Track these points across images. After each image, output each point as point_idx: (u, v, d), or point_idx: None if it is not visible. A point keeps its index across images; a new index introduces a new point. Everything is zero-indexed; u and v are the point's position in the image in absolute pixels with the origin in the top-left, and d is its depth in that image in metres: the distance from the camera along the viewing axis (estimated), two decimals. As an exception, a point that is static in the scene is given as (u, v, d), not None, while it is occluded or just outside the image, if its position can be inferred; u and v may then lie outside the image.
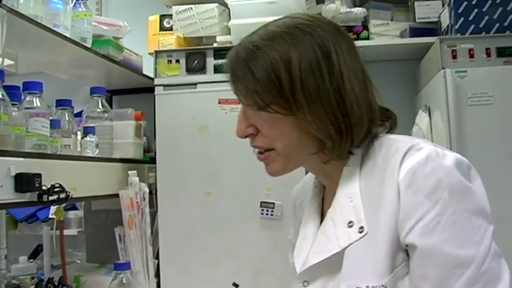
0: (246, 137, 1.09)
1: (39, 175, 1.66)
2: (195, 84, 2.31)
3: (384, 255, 0.95)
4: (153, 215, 2.37)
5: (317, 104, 0.99)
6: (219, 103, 2.27)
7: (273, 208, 2.20)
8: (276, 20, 1.07)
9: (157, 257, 2.34)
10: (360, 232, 0.98)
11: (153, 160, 2.50)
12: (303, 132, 1.03)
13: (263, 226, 2.22)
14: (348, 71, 1.02)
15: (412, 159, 0.95)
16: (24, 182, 1.61)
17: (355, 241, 0.99)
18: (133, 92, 2.87)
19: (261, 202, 2.22)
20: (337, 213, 1.04)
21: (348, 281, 0.98)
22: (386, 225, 0.95)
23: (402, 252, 0.96)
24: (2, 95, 1.62)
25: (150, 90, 2.45)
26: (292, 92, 0.99)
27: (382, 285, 0.94)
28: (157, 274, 2.32)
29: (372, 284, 0.95)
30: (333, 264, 1.01)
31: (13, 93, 1.72)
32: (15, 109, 1.72)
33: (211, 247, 2.24)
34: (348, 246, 0.99)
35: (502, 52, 2.21)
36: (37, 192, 1.69)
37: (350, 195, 1.03)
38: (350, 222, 1.00)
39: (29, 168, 1.65)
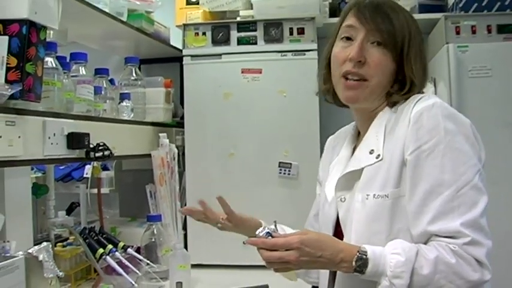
0: (358, 61, 1.32)
1: (87, 134, 1.86)
2: (220, 55, 2.45)
3: (391, 173, 1.25)
4: (180, 175, 2.53)
5: (418, 58, 1.34)
6: (242, 72, 2.42)
7: (290, 168, 2.36)
8: None
9: (184, 211, 2.52)
10: (377, 158, 1.29)
11: (179, 124, 2.67)
12: (393, 77, 1.33)
13: (281, 184, 2.38)
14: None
15: (422, 104, 1.25)
16: (75, 140, 1.81)
17: (371, 164, 1.29)
18: (160, 61, 3.02)
19: (279, 162, 2.38)
20: (365, 144, 1.35)
21: (362, 191, 1.29)
22: (397, 151, 1.25)
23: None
24: (56, 64, 1.80)
25: (175, 59, 2.60)
26: (408, 44, 1.33)
27: (385, 195, 1.24)
28: (184, 227, 2.48)
29: (378, 193, 1.25)
30: (356, 181, 1.31)
31: (62, 62, 1.89)
32: (66, 77, 1.90)
33: (233, 203, 2.33)
34: (365, 167, 1.30)
35: (502, 29, 2.35)
36: (85, 150, 1.88)
37: (377, 132, 1.33)
38: (371, 150, 1.31)
39: (77, 129, 1.83)
